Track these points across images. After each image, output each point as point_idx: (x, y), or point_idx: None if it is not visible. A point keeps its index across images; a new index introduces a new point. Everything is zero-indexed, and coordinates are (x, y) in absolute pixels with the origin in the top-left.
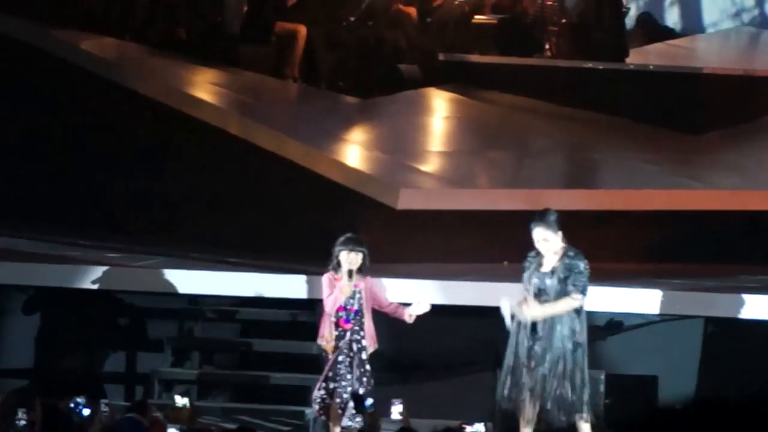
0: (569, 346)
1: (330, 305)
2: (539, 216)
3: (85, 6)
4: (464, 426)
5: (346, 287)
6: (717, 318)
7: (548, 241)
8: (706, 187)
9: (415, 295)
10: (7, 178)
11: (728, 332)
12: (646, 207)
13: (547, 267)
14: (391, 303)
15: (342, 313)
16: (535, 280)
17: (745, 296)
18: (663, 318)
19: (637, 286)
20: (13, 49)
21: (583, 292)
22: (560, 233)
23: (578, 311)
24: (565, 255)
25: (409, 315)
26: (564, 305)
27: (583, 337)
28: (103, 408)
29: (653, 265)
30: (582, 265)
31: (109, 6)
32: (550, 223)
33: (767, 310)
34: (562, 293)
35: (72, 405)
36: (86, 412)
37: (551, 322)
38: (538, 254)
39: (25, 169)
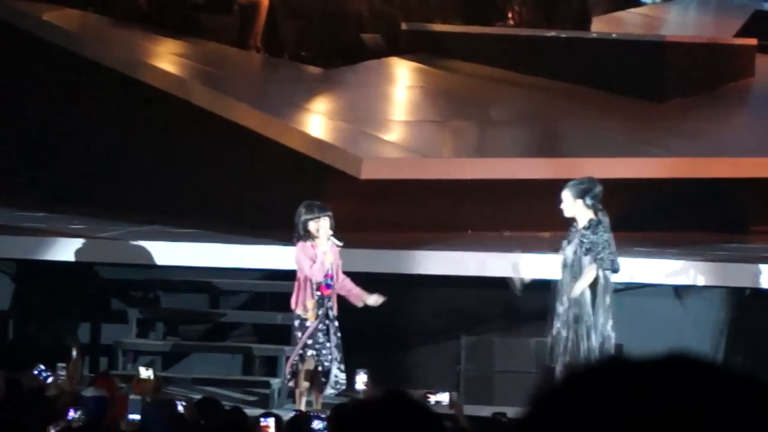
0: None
1: (318, 273)
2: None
3: None
4: (428, 395)
5: (329, 252)
6: (680, 286)
7: (563, 203)
8: (670, 155)
9: (379, 265)
10: None
11: (690, 299)
12: (610, 175)
13: (572, 235)
14: (349, 283)
15: (324, 279)
16: (563, 246)
17: (707, 264)
18: (627, 286)
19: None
20: None
21: (598, 262)
22: (579, 201)
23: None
24: (584, 226)
25: (362, 301)
26: (583, 281)
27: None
28: (60, 372)
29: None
30: (594, 236)
31: None
32: (569, 187)
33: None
34: (579, 263)
35: (36, 372)
36: (50, 379)
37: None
38: (576, 223)
39: None
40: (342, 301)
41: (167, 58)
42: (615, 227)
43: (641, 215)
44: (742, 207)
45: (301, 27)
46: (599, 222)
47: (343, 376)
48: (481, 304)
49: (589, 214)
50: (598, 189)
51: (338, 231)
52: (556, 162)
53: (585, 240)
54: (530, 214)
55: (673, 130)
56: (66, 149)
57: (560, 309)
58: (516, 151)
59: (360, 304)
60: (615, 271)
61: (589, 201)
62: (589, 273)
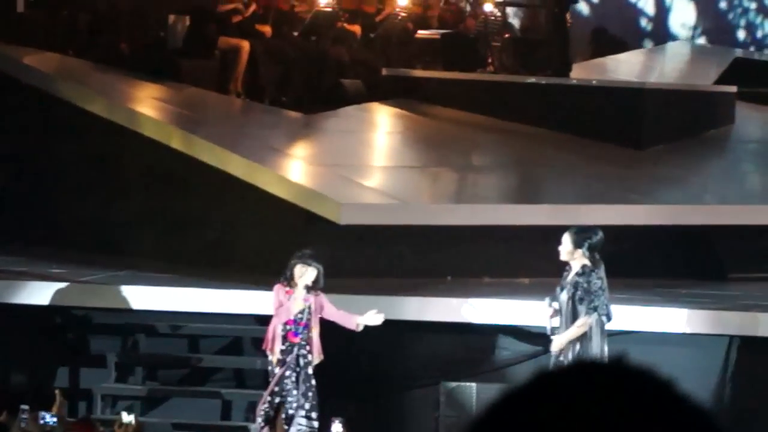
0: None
1: (283, 315)
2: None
3: (29, 21)
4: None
5: (299, 300)
6: (665, 333)
7: (561, 246)
8: (649, 202)
9: (358, 311)
10: None
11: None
12: (589, 221)
13: (567, 280)
14: (340, 310)
15: (291, 327)
16: (558, 294)
17: (692, 311)
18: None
19: None
20: None
21: (596, 311)
22: (579, 250)
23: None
24: (577, 272)
25: (357, 324)
26: (574, 330)
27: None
28: (23, 414)
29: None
30: (588, 284)
31: (53, 21)
32: (572, 233)
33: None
34: (574, 312)
35: (23, 415)
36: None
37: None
38: (569, 268)
39: None
40: (325, 346)
41: (148, 102)
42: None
43: (621, 261)
44: (721, 254)
45: (282, 72)
46: (593, 269)
47: (308, 423)
48: (461, 350)
49: (584, 261)
50: (600, 238)
51: (327, 276)
52: (535, 208)
53: (579, 288)
54: (510, 260)
55: (652, 176)
56: (43, 192)
57: (553, 355)
58: (496, 197)
59: (357, 328)
60: (608, 318)
61: (587, 251)
62: (581, 327)
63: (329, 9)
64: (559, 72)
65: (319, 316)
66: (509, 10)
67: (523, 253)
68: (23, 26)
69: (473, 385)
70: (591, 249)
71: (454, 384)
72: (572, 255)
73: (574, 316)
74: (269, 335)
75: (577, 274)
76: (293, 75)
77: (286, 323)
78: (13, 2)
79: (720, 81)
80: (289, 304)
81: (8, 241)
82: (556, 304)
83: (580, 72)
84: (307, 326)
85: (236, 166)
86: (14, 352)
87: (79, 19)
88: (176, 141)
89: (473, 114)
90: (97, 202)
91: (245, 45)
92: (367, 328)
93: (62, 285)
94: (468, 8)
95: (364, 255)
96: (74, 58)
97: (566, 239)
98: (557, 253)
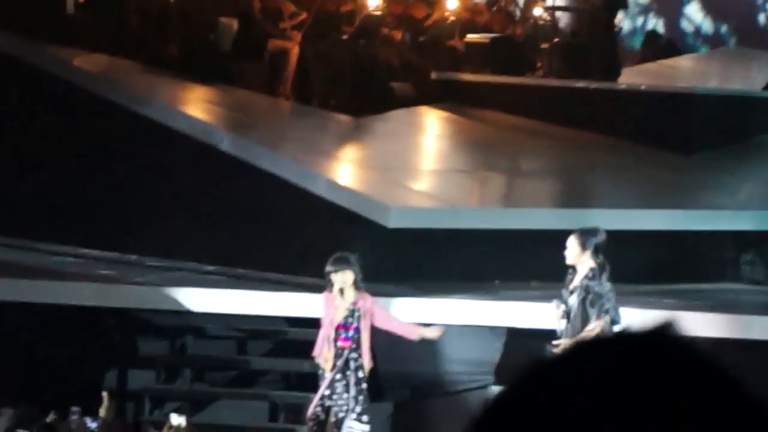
0: None
1: (328, 325)
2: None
3: (78, 22)
4: None
5: (341, 306)
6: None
7: (567, 250)
8: (697, 207)
9: (409, 314)
10: (3, 192)
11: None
12: (636, 227)
13: (574, 284)
14: (397, 320)
15: (341, 331)
16: (564, 296)
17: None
18: None
19: (633, 306)
20: (6, 65)
21: (607, 314)
22: (587, 251)
23: None
24: (587, 275)
25: (419, 334)
26: (586, 334)
27: None
28: (73, 416)
29: (644, 286)
30: (599, 287)
31: (102, 23)
32: (576, 236)
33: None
34: (584, 315)
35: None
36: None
37: None
38: (573, 271)
39: (19, 183)
40: (376, 349)
41: (197, 104)
42: (640, 279)
43: (667, 267)
44: None
45: (331, 75)
46: (602, 272)
47: (360, 427)
48: (509, 354)
49: (591, 264)
50: (604, 239)
51: (366, 280)
52: (584, 213)
53: (590, 291)
54: (557, 265)
55: (700, 182)
56: (93, 194)
57: None
58: (544, 201)
59: (416, 338)
60: (617, 322)
61: (593, 251)
62: (593, 331)
63: (378, 13)
64: (608, 77)
65: (372, 323)
66: (558, 14)
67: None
68: (73, 28)
69: None
70: (597, 251)
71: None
72: (580, 258)
73: (583, 320)
74: (319, 341)
75: (587, 277)
76: (342, 78)
77: (336, 328)
78: (62, 4)
79: None
80: (332, 312)
81: (60, 242)
82: (563, 306)
83: (629, 77)
84: (357, 329)
85: (285, 168)
86: (64, 353)
87: (128, 21)
88: (225, 143)
89: (522, 118)
90: (146, 205)
91: (294, 48)
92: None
93: (111, 286)
94: (517, 12)
95: (411, 258)
96: (124, 60)
97: (573, 242)
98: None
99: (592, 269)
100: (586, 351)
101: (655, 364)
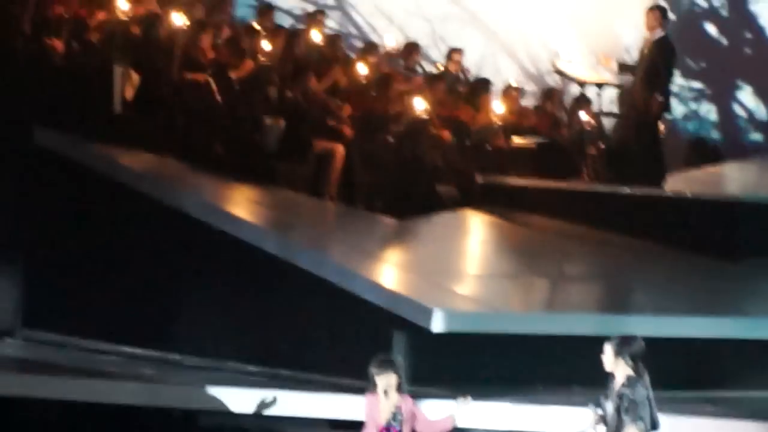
0: None
1: (371, 428)
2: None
3: (125, 121)
4: None
5: (385, 408)
6: None
7: (604, 355)
8: (743, 316)
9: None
10: (45, 288)
11: None
12: (681, 334)
13: (610, 390)
14: (437, 421)
15: None
16: (602, 402)
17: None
18: None
19: (674, 413)
20: (54, 163)
21: (642, 421)
22: (620, 359)
23: None
24: (623, 384)
25: (454, 419)
26: None
27: None
28: None
29: (686, 393)
30: (634, 396)
31: (149, 122)
32: (611, 343)
33: None
34: (619, 422)
35: None
36: None
37: None
38: (612, 377)
39: (61, 280)
40: None
41: (242, 204)
42: (686, 386)
43: (711, 374)
44: None
45: (376, 176)
46: (638, 380)
47: None
48: None
49: (628, 371)
50: (640, 346)
51: (409, 383)
52: (627, 319)
53: (625, 399)
54: (600, 371)
55: (745, 290)
56: (131, 291)
57: None
58: (588, 306)
59: (455, 423)
60: (655, 428)
61: (629, 359)
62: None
63: (424, 115)
64: (653, 182)
65: (413, 428)
66: (604, 119)
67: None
68: (119, 127)
69: None
70: (633, 358)
71: None
72: (615, 365)
73: (617, 427)
74: None
75: (622, 385)
76: (388, 179)
77: (379, 431)
78: (109, 102)
79: None
80: (376, 414)
81: (102, 340)
82: (599, 410)
83: (674, 183)
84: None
85: (329, 270)
86: None
87: (175, 120)
88: (270, 244)
89: (567, 223)
90: (190, 304)
91: (340, 149)
92: None
93: (153, 386)
94: (564, 116)
95: (453, 362)
96: (170, 159)
97: (608, 349)
98: (650, 365)
99: (628, 377)
100: None
101: None
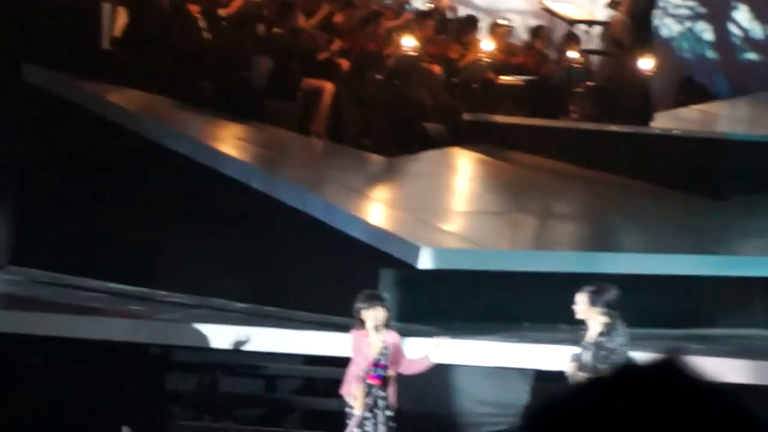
0: None
1: (362, 362)
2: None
3: (113, 58)
4: None
5: (375, 343)
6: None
7: (576, 305)
8: (730, 253)
9: (435, 355)
10: (32, 227)
11: None
12: (668, 271)
13: (587, 339)
14: (414, 360)
15: (371, 369)
16: (578, 350)
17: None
18: None
19: (659, 351)
20: (42, 100)
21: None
22: (595, 307)
23: None
24: (600, 332)
25: (430, 360)
26: None
27: None
28: None
29: (672, 330)
30: (611, 343)
31: (137, 59)
32: (584, 292)
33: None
34: (597, 371)
35: None
36: None
37: None
38: (586, 326)
39: (49, 218)
40: (402, 390)
41: (230, 142)
42: (669, 324)
43: (696, 312)
44: None
45: (364, 115)
46: (614, 327)
47: None
48: (536, 397)
49: (603, 319)
50: (614, 294)
51: (396, 320)
52: (615, 256)
53: (602, 347)
54: None
55: (732, 227)
56: (121, 230)
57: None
58: (574, 244)
59: (433, 362)
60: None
61: (603, 307)
62: None
63: (413, 53)
64: (641, 121)
65: (398, 370)
66: (593, 57)
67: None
68: (107, 64)
69: None
70: (607, 306)
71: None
72: (589, 313)
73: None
74: (347, 379)
75: (600, 333)
76: (376, 118)
77: (367, 366)
78: (97, 40)
79: None
80: (366, 349)
81: (89, 276)
82: (577, 362)
83: (662, 122)
84: (386, 367)
85: (316, 207)
86: (91, 387)
87: (163, 58)
88: (257, 181)
89: (554, 161)
90: (176, 241)
91: (329, 86)
92: (441, 372)
93: (139, 322)
94: (552, 55)
95: (439, 299)
96: (158, 97)
97: (581, 298)
98: (634, 302)
99: (603, 325)
100: (596, 386)
101: (664, 395)
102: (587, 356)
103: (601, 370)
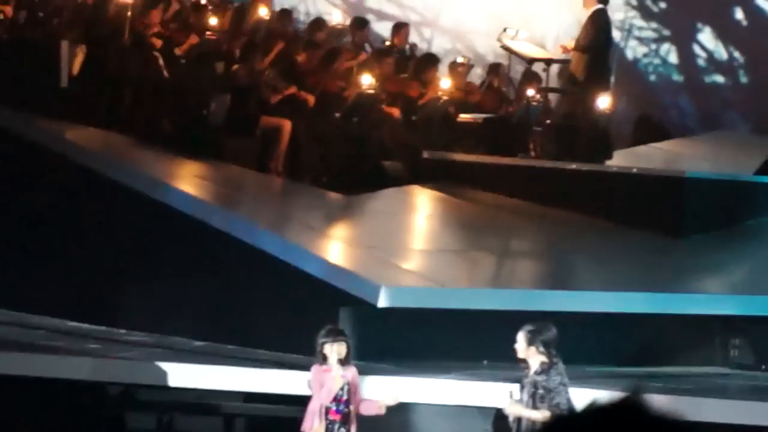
0: None
1: (325, 397)
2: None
3: (72, 96)
4: None
5: (338, 378)
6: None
7: (516, 344)
8: (686, 291)
9: (397, 393)
10: None
11: None
12: (626, 310)
13: (525, 379)
14: (367, 401)
15: (332, 404)
16: (519, 392)
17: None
18: None
19: (618, 389)
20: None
21: (558, 408)
22: (532, 347)
23: None
24: (536, 371)
25: (381, 407)
26: (534, 414)
27: None
28: None
29: (631, 368)
30: (548, 382)
31: (96, 97)
32: (523, 331)
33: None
34: (535, 410)
35: None
36: None
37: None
38: (526, 366)
39: (7, 256)
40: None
41: (188, 179)
42: (627, 362)
43: (654, 350)
44: (760, 345)
45: (323, 152)
46: (552, 366)
47: None
48: None
49: (541, 358)
50: (552, 334)
51: (355, 359)
52: (572, 294)
53: (539, 386)
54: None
55: (689, 265)
56: (79, 269)
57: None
58: (533, 282)
59: (382, 411)
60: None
61: (541, 347)
62: (539, 418)
63: (371, 91)
64: (600, 159)
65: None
66: (551, 95)
67: (562, 338)
68: (66, 101)
69: None
70: (546, 345)
71: None
72: (528, 352)
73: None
74: (308, 415)
75: (535, 372)
76: (334, 156)
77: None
78: (56, 78)
79: (761, 171)
80: (329, 383)
81: (48, 315)
82: (516, 399)
83: (621, 159)
84: (347, 402)
85: (275, 245)
86: (48, 427)
87: (122, 96)
88: (215, 219)
89: (513, 199)
90: (134, 279)
91: (287, 124)
92: (400, 410)
93: (98, 360)
94: (511, 93)
95: (399, 337)
96: (117, 134)
97: (520, 337)
98: (593, 341)
99: (542, 364)
100: (562, 425)
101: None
102: (525, 395)
103: (539, 408)
